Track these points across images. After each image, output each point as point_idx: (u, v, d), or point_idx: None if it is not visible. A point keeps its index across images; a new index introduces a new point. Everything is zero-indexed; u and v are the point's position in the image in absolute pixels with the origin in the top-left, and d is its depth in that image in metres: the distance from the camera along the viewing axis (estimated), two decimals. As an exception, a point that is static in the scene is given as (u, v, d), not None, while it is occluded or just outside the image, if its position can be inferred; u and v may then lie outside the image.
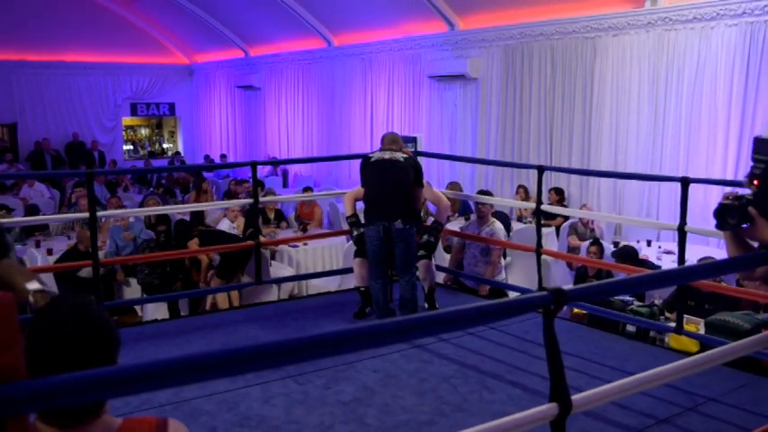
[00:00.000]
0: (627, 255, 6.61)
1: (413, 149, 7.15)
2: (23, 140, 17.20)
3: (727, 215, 2.62)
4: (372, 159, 5.86)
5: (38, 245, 9.03)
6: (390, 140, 6.02)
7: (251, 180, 6.71)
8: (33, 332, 1.48)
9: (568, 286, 2.20)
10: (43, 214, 10.63)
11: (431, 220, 6.67)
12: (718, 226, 2.69)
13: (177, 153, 19.33)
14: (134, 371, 1.48)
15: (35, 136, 17.14)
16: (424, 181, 6.04)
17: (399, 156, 5.80)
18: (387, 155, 5.81)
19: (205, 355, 1.57)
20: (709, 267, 3.37)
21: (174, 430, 1.57)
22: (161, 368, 1.52)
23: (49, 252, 8.46)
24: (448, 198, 6.57)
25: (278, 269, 8.50)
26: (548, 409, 2.17)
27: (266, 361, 1.69)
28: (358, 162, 6.19)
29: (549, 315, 2.13)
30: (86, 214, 5.73)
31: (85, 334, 1.49)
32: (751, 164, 2.61)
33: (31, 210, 10.69)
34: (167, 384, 1.60)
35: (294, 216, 10.72)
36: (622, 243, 7.81)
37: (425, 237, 6.17)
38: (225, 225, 8.47)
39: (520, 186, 10.31)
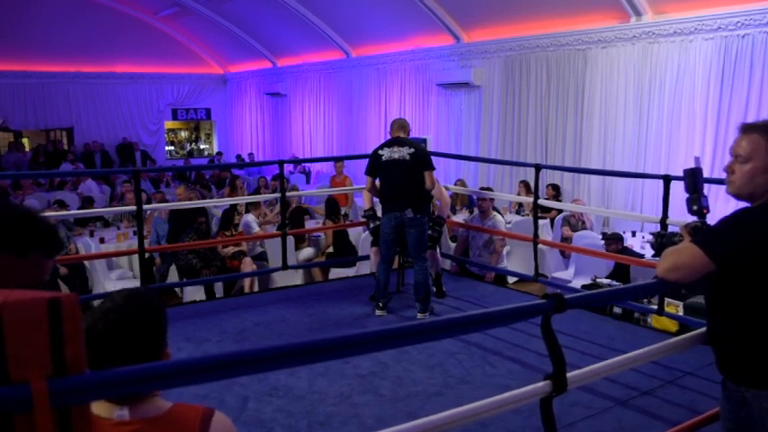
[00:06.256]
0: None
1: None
2: (79, 142, 17.31)
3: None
4: (383, 159, 5.70)
5: (92, 234, 9.09)
6: (399, 126, 5.85)
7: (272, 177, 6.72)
8: (94, 314, 1.49)
9: (569, 295, 2.20)
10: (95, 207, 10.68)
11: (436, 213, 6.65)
12: None
13: (219, 153, 19.31)
14: (182, 365, 1.50)
15: (89, 138, 17.24)
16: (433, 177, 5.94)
17: (406, 153, 5.62)
18: (395, 154, 5.64)
19: (246, 351, 1.58)
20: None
21: (218, 422, 1.52)
22: (209, 362, 1.53)
23: (102, 240, 8.52)
24: (454, 193, 6.54)
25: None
26: (543, 386, 2.18)
27: (310, 356, 1.70)
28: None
29: (549, 319, 2.13)
30: (134, 207, 5.78)
31: (132, 318, 1.49)
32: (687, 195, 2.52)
33: (87, 202, 10.75)
34: (215, 378, 1.62)
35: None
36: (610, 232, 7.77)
37: (429, 231, 6.13)
38: (250, 218, 8.50)
39: (521, 182, 10.27)
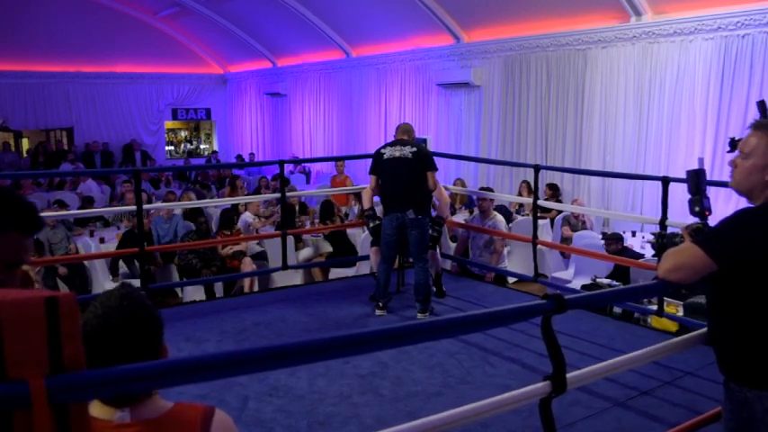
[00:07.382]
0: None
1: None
2: (79, 142, 17.31)
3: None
4: (385, 157, 5.73)
5: (92, 234, 9.09)
6: (403, 131, 5.91)
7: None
8: (85, 320, 1.47)
9: (569, 295, 2.19)
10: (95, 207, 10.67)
11: (434, 213, 6.63)
12: None
13: (214, 152, 19.33)
14: (182, 364, 1.50)
15: (89, 138, 17.23)
16: (435, 178, 5.94)
17: (408, 152, 5.65)
18: (397, 152, 5.68)
19: (245, 351, 1.59)
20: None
21: (219, 420, 1.51)
22: (209, 361, 1.54)
23: (102, 240, 8.52)
24: (453, 193, 6.53)
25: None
26: (542, 386, 2.17)
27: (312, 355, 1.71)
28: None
29: (549, 319, 2.12)
30: (134, 207, 5.77)
31: (130, 320, 1.46)
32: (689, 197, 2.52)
33: (87, 202, 10.76)
34: (215, 377, 1.62)
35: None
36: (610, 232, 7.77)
37: (429, 231, 6.11)
38: (246, 215, 8.51)
39: (523, 182, 10.26)
